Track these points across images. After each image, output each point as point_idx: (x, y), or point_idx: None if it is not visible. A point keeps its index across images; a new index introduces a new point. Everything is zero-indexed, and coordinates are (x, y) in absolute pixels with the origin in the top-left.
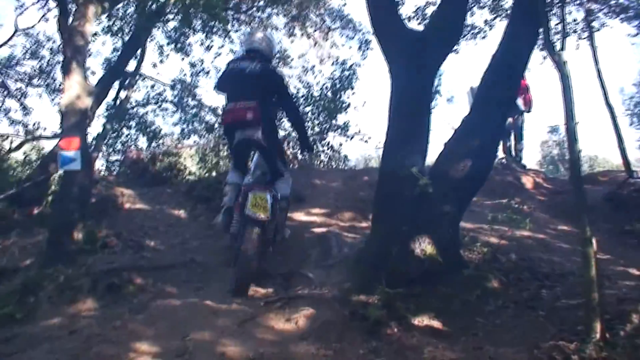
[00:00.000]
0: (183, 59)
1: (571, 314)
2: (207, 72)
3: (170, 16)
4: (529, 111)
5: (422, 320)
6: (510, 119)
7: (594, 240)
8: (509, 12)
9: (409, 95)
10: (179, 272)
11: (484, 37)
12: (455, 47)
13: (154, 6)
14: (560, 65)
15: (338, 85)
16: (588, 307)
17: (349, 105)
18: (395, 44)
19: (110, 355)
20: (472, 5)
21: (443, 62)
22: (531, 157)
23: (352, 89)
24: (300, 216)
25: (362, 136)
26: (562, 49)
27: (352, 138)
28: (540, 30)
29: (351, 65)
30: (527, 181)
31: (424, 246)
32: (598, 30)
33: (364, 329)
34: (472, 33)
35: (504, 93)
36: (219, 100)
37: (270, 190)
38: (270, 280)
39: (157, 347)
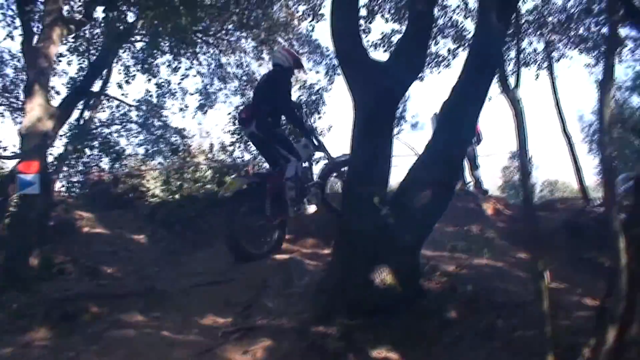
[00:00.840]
0: (149, 80)
1: (526, 345)
2: (174, 94)
3: (138, 37)
4: (478, 142)
5: (381, 352)
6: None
7: (546, 274)
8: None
9: (371, 124)
10: (136, 301)
11: (447, 66)
12: (419, 75)
13: (121, 27)
14: (515, 102)
15: (304, 110)
16: (541, 340)
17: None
18: (359, 74)
19: None
20: (437, 34)
21: (406, 90)
22: (493, 183)
23: (319, 113)
24: None
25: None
26: (517, 86)
27: (317, 162)
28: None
29: (318, 90)
30: (488, 208)
31: (384, 276)
32: (558, 60)
33: None
34: (437, 61)
35: (461, 125)
36: (184, 122)
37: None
38: (230, 308)
39: None
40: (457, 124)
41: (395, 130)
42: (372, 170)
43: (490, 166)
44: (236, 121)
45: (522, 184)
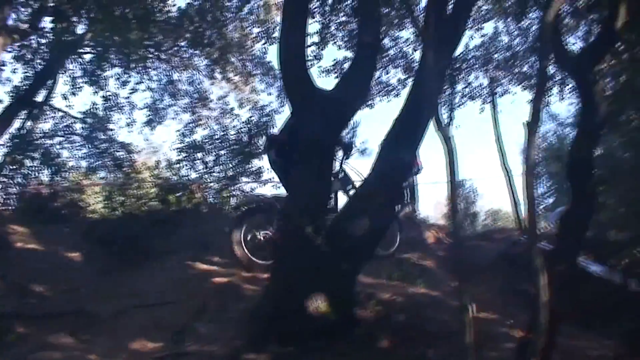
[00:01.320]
0: (96, 92)
1: None
2: (122, 107)
3: (87, 49)
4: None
5: None
6: None
7: (472, 306)
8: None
9: (314, 151)
10: (65, 322)
11: (397, 95)
12: (367, 103)
13: (69, 39)
14: (447, 140)
15: (255, 131)
16: None
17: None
18: (303, 100)
19: None
20: (387, 64)
21: (350, 118)
22: (438, 211)
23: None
24: (203, 265)
25: (275, 183)
26: (450, 124)
27: (265, 184)
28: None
29: (269, 112)
30: (430, 236)
31: (318, 304)
32: (501, 95)
33: None
34: (387, 90)
35: (402, 156)
36: (131, 137)
37: None
38: (161, 333)
39: None
40: (398, 154)
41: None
42: (310, 198)
43: (437, 194)
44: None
45: (452, 218)
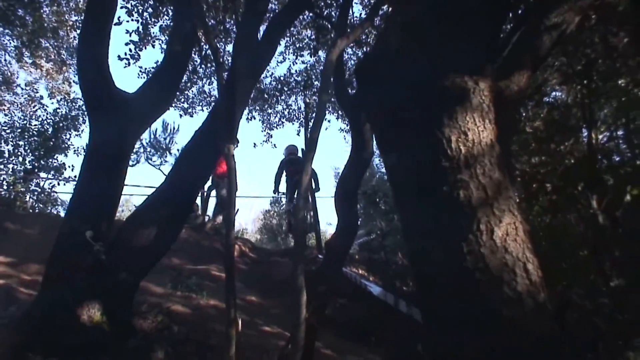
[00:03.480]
0: None
1: None
2: None
3: None
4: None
5: None
6: None
7: (238, 321)
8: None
9: (103, 159)
10: None
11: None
12: (167, 108)
13: None
14: (228, 158)
15: (63, 124)
16: None
17: (68, 147)
18: (99, 103)
19: None
20: (211, 75)
21: (148, 125)
22: (255, 225)
23: (77, 130)
24: None
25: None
26: (233, 142)
27: (67, 181)
28: None
29: (81, 105)
30: (234, 250)
31: (92, 313)
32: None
33: None
34: (208, 101)
35: (195, 169)
36: None
37: None
38: None
39: None
40: (192, 167)
41: (158, 161)
42: (96, 206)
43: (252, 209)
44: None
45: (226, 235)
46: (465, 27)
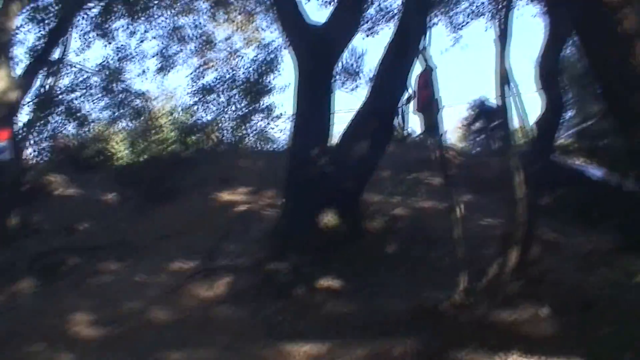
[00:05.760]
0: (106, 45)
1: (450, 270)
2: (132, 58)
3: (91, 4)
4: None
5: (325, 283)
6: None
7: (459, 207)
8: None
9: (310, 83)
10: (109, 252)
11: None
12: (356, 31)
13: None
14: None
15: (263, 68)
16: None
17: (272, 87)
18: (299, 36)
19: (49, 325)
20: None
21: (343, 49)
22: (454, 133)
23: (276, 71)
24: (224, 196)
25: (287, 117)
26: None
27: (278, 118)
28: None
29: (275, 48)
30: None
31: (328, 219)
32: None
33: (275, 292)
34: (386, 17)
35: (393, 82)
36: (146, 85)
37: None
38: (195, 254)
39: (93, 316)
40: (389, 81)
41: (352, 85)
42: (312, 124)
43: (452, 117)
44: None
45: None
46: None
